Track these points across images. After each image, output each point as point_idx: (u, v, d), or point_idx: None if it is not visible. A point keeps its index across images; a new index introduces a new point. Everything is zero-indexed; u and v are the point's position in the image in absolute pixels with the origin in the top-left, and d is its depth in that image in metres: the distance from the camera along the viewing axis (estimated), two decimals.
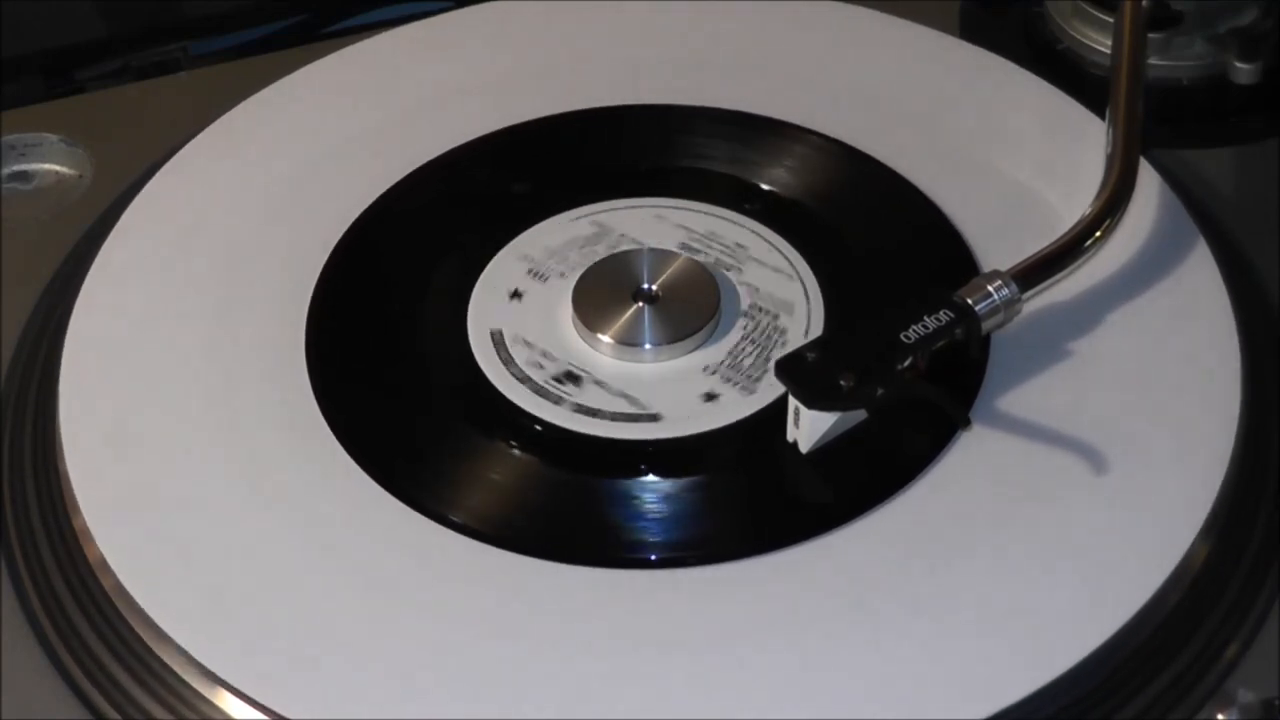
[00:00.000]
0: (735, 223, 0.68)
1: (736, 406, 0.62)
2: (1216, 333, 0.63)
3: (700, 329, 0.64)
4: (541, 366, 0.63)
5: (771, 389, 0.61)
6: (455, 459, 0.61)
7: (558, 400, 0.62)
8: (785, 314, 0.65)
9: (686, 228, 0.68)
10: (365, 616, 0.56)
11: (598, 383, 0.63)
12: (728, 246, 0.67)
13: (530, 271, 0.67)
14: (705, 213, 0.69)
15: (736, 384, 0.62)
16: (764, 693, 0.54)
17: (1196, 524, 0.57)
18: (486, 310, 0.65)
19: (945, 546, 0.57)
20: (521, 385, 0.63)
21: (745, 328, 0.64)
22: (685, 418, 0.61)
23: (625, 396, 0.62)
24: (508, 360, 0.63)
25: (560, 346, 0.64)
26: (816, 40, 0.75)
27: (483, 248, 0.67)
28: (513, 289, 0.66)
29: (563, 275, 0.66)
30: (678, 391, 0.62)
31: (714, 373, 0.63)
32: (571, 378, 0.63)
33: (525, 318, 0.65)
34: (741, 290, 0.65)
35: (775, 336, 0.64)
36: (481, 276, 0.66)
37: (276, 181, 0.70)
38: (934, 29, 0.76)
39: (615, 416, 0.61)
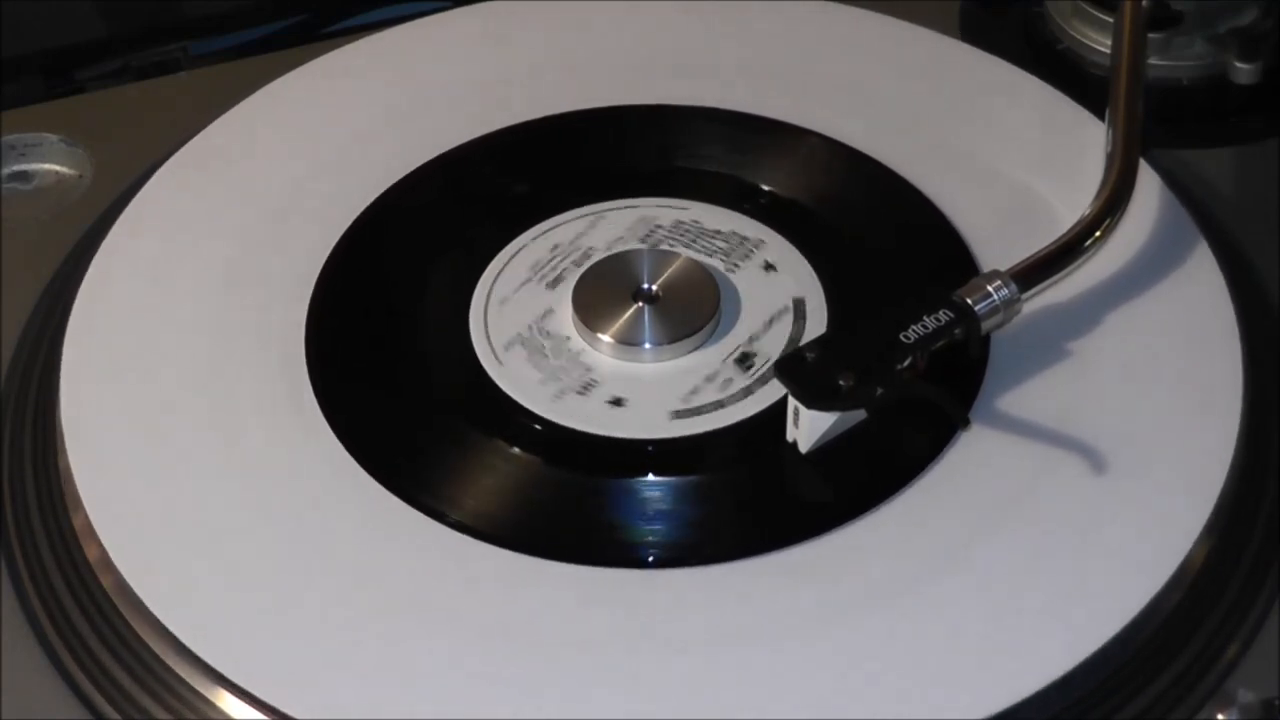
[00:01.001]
0: (731, 221, 0.68)
1: (740, 408, 0.62)
2: (1216, 333, 0.63)
3: (700, 329, 0.64)
4: (542, 366, 0.63)
5: (773, 390, 0.61)
6: (456, 458, 0.61)
7: (559, 399, 0.62)
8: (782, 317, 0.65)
9: (687, 227, 0.68)
10: (365, 616, 0.56)
11: (599, 382, 0.63)
12: (726, 245, 0.67)
13: (531, 271, 0.67)
14: (705, 212, 0.68)
15: (740, 386, 0.62)
16: (764, 692, 0.54)
17: (1197, 524, 0.57)
18: (487, 310, 0.65)
19: (945, 546, 0.57)
20: (522, 384, 0.63)
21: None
22: (686, 417, 0.61)
23: (627, 396, 0.62)
24: (508, 360, 0.63)
25: (561, 346, 0.64)
26: (816, 40, 0.75)
27: (483, 247, 0.67)
28: (513, 288, 0.66)
29: (563, 275, 0.66)
30: (675, 390, 0.62)
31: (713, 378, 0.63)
32: (574, 378, 0.63)
33: (525, 317, 0.65)
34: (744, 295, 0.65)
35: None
36: (482, 276, 0.66)
37: (277, 181, 0.70)
38: (934, 29, 0.76)
39: (617, 416, 0.61)
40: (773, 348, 0.63)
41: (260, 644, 0.55)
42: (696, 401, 0.62)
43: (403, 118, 0.73)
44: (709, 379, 0.63)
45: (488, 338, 0.64)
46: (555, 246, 0.68)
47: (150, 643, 0.56)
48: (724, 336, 0.64)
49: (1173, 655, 0.56)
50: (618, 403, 0.62)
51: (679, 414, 0.61)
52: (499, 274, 0.67)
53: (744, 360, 0.63)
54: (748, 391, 0.62)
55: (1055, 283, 0.62)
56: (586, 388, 0.62)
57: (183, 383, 0.63)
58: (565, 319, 0.65)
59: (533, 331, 0.64)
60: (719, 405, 0.62)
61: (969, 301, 0.60)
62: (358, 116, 0.73)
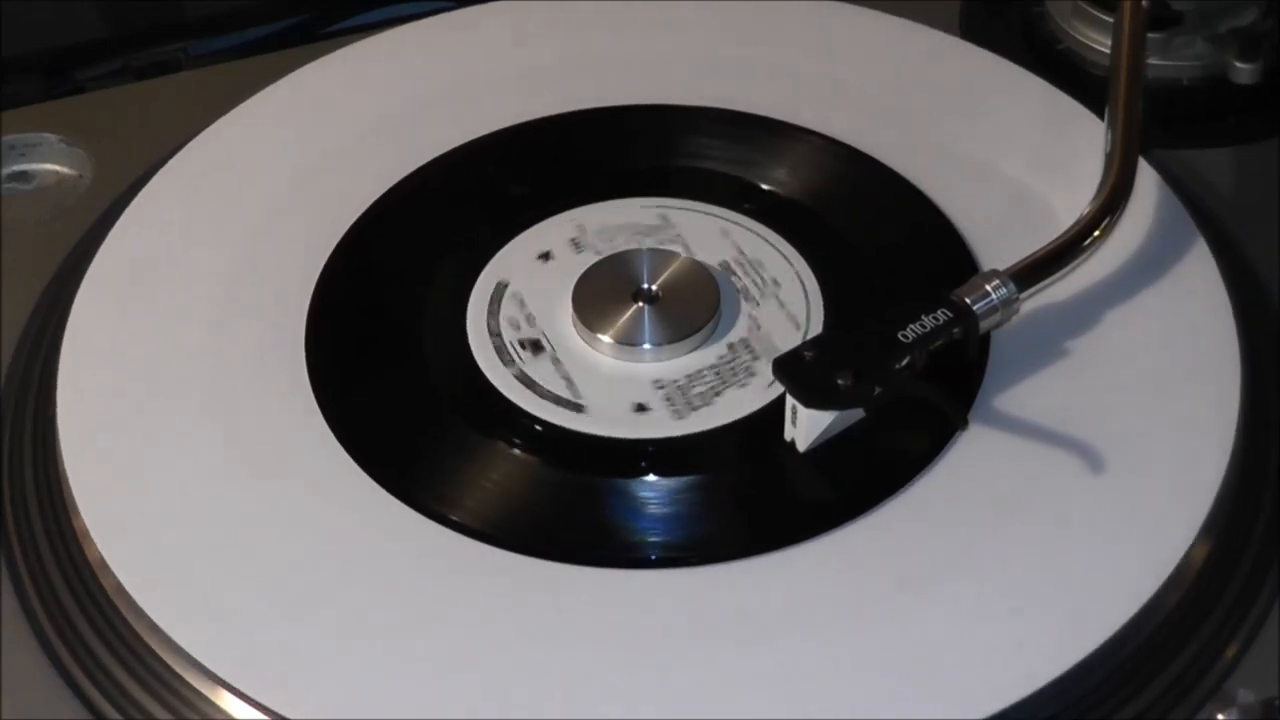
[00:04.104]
0: (730, 219, 0.68)
1: (739, 405, 0.62)
2: (1216, 333, 0.63)
3: (700, 329, 0.64)
4: (542, 365, 0.63)
5: (772, 390, 0.61)
6: (455, 459, 0.61)
7: (557, 400, 0.62)
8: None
9: (686, 226, 0.68)
10: (365, 616, 0.56)
11: (601, 382, 0.62)
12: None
13: (530, 271, 0.67)
14: (705, 213, 0.69)
15: (733, 385, 0.62)
16: (764, 692, 0.54)
17: (1196, 524, 0.57)
18: (487, 310, 0.65)
19: (944, 546, 0.57)
20: (522, 385, 0.63)
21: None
22: (685, 416, 0.61)
23: (628, 397, 0.62)
24: (508, 360, 0.63)
25: (561, 346, 0.64)
26: (816, 40, 0.75)
27: (483, 247, 0.67)
28: (513, 288, 0.66)
29: (563, 275, 0.66)
30: (676, 390, 0.62)
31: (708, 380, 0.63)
32: (573, 378, 0.63)
33: (525, 317, 0.65)
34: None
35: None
36: (481, 276, 0.66)
37: (277, 181, 0.70)
38: (934, 29, 0.76)
39: (617, 416, 0.61)
40: (772, 348, 0.63)
41: (260, 644, 0.55)
42: (696, 401, 0.62)
43: (403, 118, 0.73)
44: (709, 379, 0.63)
45: (487, 337, 0.64)
46: (555, 246, 0.68)
47: (150, 643, 0.56)
48: (724, 336, 0.64)
49: (1173, 655, 0.56)
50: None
51: (678, 414, 0.61)
52: (499, 274, 0.67)
53: (743, 360, 0.63)
54: (747, 392, 0.62)
55: (1054, 282, 0.62)
56: (588, 388, 0.62)
57: (182, 383, 0.63)
58: (565, 319, 0.65)
59: (532, 331, 0.64)
60: (718, 405, 0.62)
61: (967, 301, 0.60)
62: (358, 116, 0.73)
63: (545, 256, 0.67)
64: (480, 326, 0.65)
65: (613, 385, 0.63)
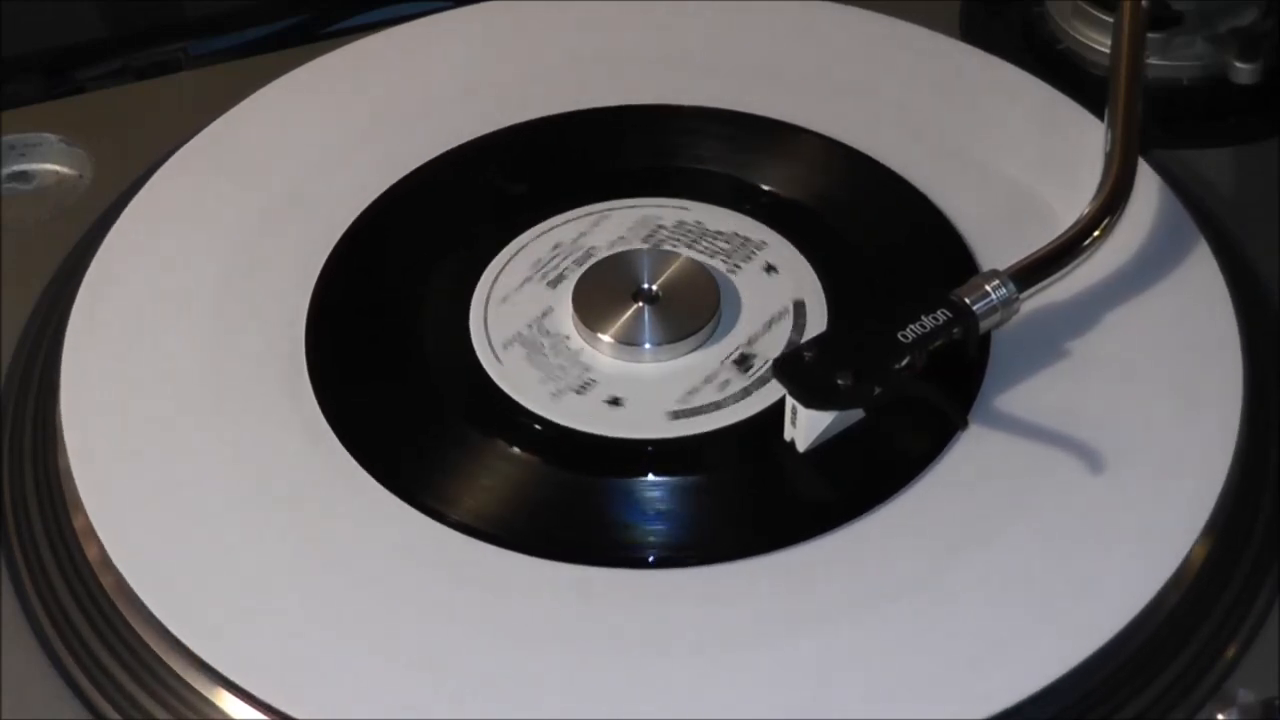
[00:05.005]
0: (733, 222, 0.68)
1: (740, 408, 0.62)
2: (1216, 333, 0.63)
3: (700, 329, 0.64)
4: (542, 365, 0.63)
5: (772, 390, 0.61)
6: (455, 458, 0.61)
7: (558, 398, 0.62)
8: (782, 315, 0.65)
9: (689, 227, 0.68)
10: (366, 616, 0.56)
11: (599, 382, 0.63)
12: (728, 246, 0.67)
13: (531, 271, 0.67)
14: (707, 213, 0.69)
15: (739, 386, 0.62)
16: (764, 693, 0.54)
17: (1197, 524, 0.57)
18: (487, 309, 0.65)
19: (944, 547, 0.57)
20: (521, 384, 0.63)
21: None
22: (688, 417, 0.61)
23: (627, 396, 0.62)
24: (508, 359, 0.63)
25: (560, 345, 0.64)
26: (816, 40, 0.75)
27: (483, 247, 0.68)
28: (513, 288, 0.66)
29: (563, 275, 0.66)
30: (675, 390, 0.62)
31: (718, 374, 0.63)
32: (574, 377, 0.63)
33: (526, 317, 0.65)
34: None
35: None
36: (482, 275, 0.66)
37: (277, 181, 0.70)
38: (934, 29, 0.76)
39: (616, 416, 0.61)
40: (772, 348, 0.63)
41: (260, 644, 0.55)
42: (696, 401, 0.62)
43: (403, 118, 0.73)
44: (708, 379, 0.63)
45: (488, 337, 0.64)
46: (555, 246, 0.68)
47: (150, 643, 0.56)
48: (724, 337, 0.64)
49: (1173, 655, 0.56)
50: (617, 403, 0.62)
51: (678, 414, 0.62)
52: (499, 274, 0.67)
53: (743, 361, 0.63)
54: (747, 392, 0.62)
55: (1054, 282, 0.62)
56: (585, 387, 0.62)
57: (182, 383, 0.63)
58: (565, 319, 0.65)
59: (533, 331, 0.64)
60: (718, 405, 0.62)
61: (967, 301, 0.60)
62: (358, 116, 0.73)
63: (545, 256, 0.67)
64: (480, 326, 0.65)
65: (613, 385, 0.62)
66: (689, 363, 0.63)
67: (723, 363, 0.63)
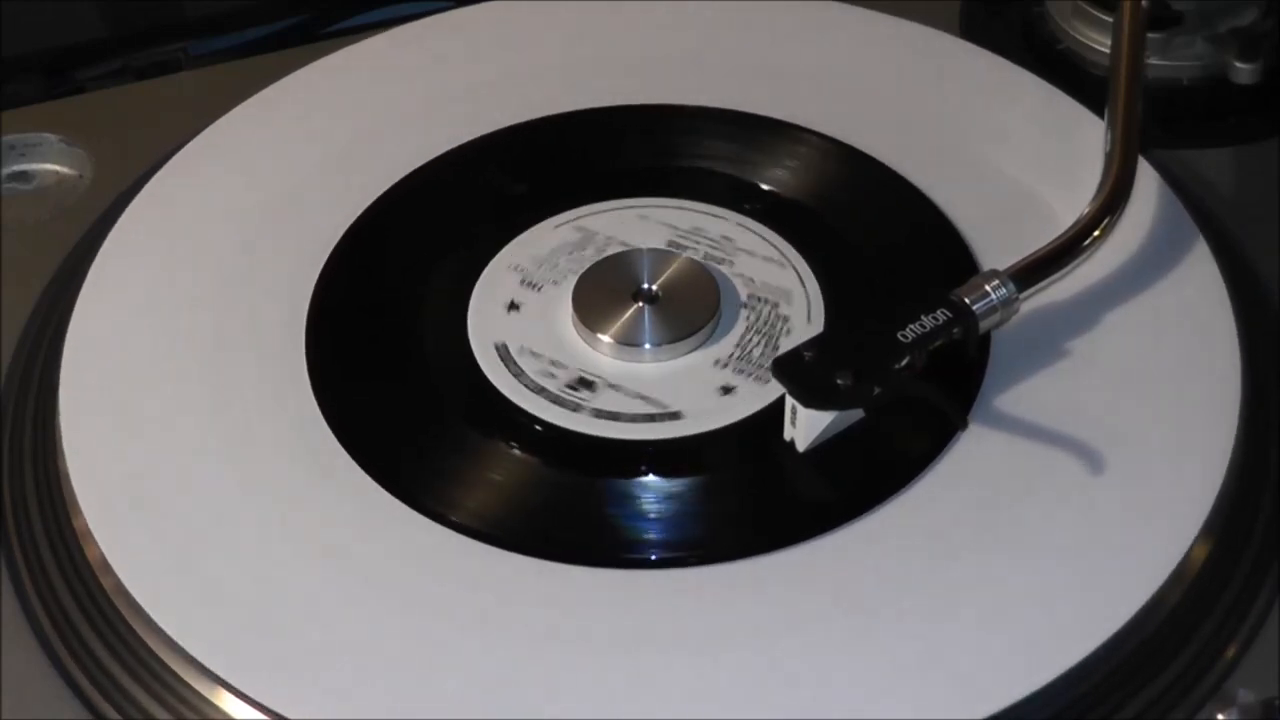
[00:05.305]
0: (724, 219, 0.68)
1: (755, 398, 0.62)
2: (1216, 333, 0.63)
3: (701, 328, 0.64)
4: (542, 365, 0.63)
5: (772, 390, 0.61)
6: (455, 459, 0.61)
7: (558, 399, 0.62)
8: (784, 302, 0.65)
9: (683, 227, 0.68)
10: (366, 616, 0.56)
11: (612, 386, 0.62)
12: (714, 240, 0.67)
13: (530, 271, 0.67)
14: (704, 213, 0.69)
15: (750, 375, 0.62)
16: (764, 693, 0.54)
17: (1196, 524, 0.57)
18: (487, 310, 0.65)
19: (944, 546, 0.57)
20: (522, 385, 0.63)
21: (748, 319, 0.64)
22: (707, 413, 0.61)
23: (642, 397, 0.62)
24: (508, 360, 0.63)
25: (561, 347, 0.64)
26: (816, 40, 0.75)
27: (482, 248, 0.68)
28: (513, 288, 0.66)
29: (563, 275, 0.66)
30: (693, 388, 0.62)
31: (725, 366, 0.63)
32: (574, 377, 0.63)
33: (525, 317, 0.65)
34: (738, 282, 0.65)
35: (779, 325, 0.64)
36: (482, 276, 0.66)
37: (277, 181, 0.70)
38: (934, 29, 0.76)
39: (636, 418, 0.61)
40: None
41: (260, 644, 0.55)
42: (714, 396, 0.62)
43: (403, 118, 0.73)
44: (709, 378, 0.63)
45: (487, 337, 0.64)
46: (555, 246, 0.68)
47: (150, 643, 0.56)
48: (724, 336, 0.64)
49: (1173, 655, 0.56)
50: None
51: (700, 410, 0.61)
52: (499, 274, 0.67)
53: (743, 360, 0.63)
54: (747, 392, 0.62)
55: (1054, 282, 0.62)
56: (586, 387, 0.62)
57: (182, 384, 0.63)
58: (565, 319, 0.65)
59: (532, 332, 0.64)
60: (718, 405, 0.62)
61: (967, 301, 0.60)
62: (358, 116, 0.73)
63: (545, 257, 0.67)
64: (480, 326, 0.65)
65: (614, 385, 0.62)
66: (689, 363, 0.63)
67: (723, 362, 0.63)
